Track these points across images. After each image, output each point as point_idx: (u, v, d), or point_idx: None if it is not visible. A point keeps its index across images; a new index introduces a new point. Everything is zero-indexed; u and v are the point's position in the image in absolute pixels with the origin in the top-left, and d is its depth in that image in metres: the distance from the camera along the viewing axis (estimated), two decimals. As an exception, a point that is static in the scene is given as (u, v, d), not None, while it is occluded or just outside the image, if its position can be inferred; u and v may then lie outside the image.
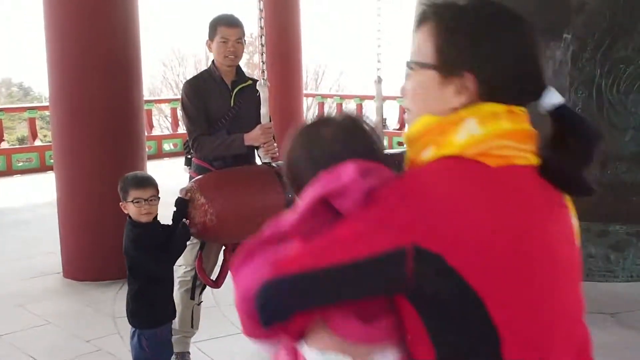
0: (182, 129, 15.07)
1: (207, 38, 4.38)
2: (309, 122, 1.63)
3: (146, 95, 7.01)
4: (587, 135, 1.43)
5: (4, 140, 12.97)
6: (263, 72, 4.11)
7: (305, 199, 1.37)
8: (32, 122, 13.51)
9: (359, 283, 1.28)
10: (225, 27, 4.27)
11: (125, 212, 3.53)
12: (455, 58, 1.41)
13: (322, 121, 1.62)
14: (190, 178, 4.23)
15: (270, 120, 4.24)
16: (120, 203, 3.52)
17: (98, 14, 6.00)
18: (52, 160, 12.25)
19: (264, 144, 4.12)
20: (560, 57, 5.40)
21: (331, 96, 18.10)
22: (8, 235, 8.04)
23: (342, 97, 16.79)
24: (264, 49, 4.11)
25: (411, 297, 1.29)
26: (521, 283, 1.29)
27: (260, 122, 4.20)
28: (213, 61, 4.42)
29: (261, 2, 4.08)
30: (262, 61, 4.10)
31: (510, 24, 1.46)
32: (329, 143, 1.50)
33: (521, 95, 1.44)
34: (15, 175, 12.38)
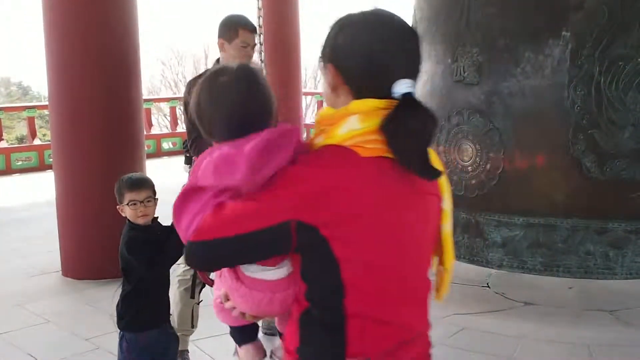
0: (181, 128, 15.08)
1: (221, 37, 4.31)
2: (211, 71, 2.01)
3: (145, 94, 7.00)
4: (424, 119, 1.69)
5: (3, 139, 12.97)
6: (262, 70, 4.09)
7: (207, 179, 1.74)
8: (31, 121, 13.52)
9: (258, 247, 1.67)
10: (248, 32, 4.26)
11: (123, 215, 3.46)
12: (323, 50, 1.78)
13: (221, 70, 1.95)
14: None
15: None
16: (118, 206, 3.45)
17: (97, 13, 6.01)
18: (51, 159, 12.28)
19: None
20: (558, 55, 5.38)
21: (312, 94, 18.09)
22: (7, 234, 8.05)
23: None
24: (263, 47, 4.10)
25: (295, 252, 1.70)
26: (372, 250, 1.67)
27: None
28: (218, 60, 4.39)
29: (260, 1, 4.07)
30: (261, 60, 4.09)
31: (369, 26, 1.74)
32: (225, 88, 1.88)
33: (381, 89, 1.70)
34: (14, 174, 12.38)
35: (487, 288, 5.89)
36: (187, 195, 1.75)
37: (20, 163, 12.62)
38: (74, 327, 5.11)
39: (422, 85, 6.25)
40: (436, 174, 1.72)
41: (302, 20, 13.20)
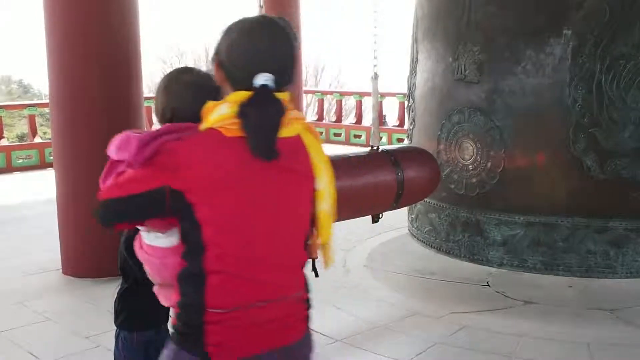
0: None
1: None
2: (178, 68, 2.52)
3: (145, 93, 6.99)
4: (270, 107, 1.98)
5: (3, 137, 12.96)
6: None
7: (112, 155, 2.13)
8: (31, 119, 13.51)
9: (140, 207, 2.00)
10: None
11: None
12: (215, 48, 2.12)
13: (185, 69, 2.50)
14: None
15: None
16: None
17: (98, 11, 5.99)
18: (51, 157, 12.27)
19: None
20: (560, 53, 5.38)
21: (330, 93, 18.06)
22: (7, 232, 8.04)
23: (342, 94, 16.75)
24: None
25: (172, 213, 1.99)
26: (229, 215, 1.96)
27: None
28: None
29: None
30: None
31: (242, 31, 2.06)
32: (181, 86, 2.39)
33: (250, 82, 1.99)
34: (15, 172, 12.38)
35: (488, 287, 5.88)
36: (109, 167, 2.14)
37: (21, 161, 12.61)
38: (75, 325, 5.11)
39: (423, 84, 6.27)
40: (271, 156, 1.97)
41: (302, 18, 13.23)
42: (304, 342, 2.15)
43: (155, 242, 2.20)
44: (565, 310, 5.36)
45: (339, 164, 4.39)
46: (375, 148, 4.75)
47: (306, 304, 2.16)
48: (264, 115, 1.96)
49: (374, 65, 4.87)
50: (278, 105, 1.99)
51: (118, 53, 6.09)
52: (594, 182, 5.36)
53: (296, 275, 2.11)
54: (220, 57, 2.07)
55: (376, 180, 4.49)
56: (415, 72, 6.50)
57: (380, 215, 4.74)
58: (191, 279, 1.98)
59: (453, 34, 5.93)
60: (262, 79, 1.99)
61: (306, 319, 2.16)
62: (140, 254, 2.29)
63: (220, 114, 1.97)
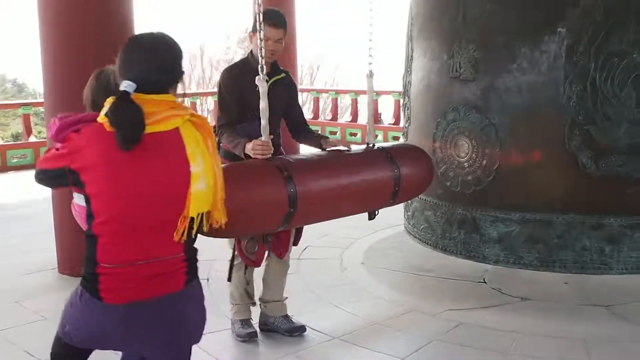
0: None
1: (251, 30, 4.54)
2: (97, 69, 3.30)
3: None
4: (125, 109, 2.46)
5: (-3, 136, 12.95)
6: (262, 68, 4.11)
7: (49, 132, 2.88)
8: (26, 119, 13.48)
9: (53, 179, 2.64)
10: (269, 26, 4.41)
11: None
12: None
13: (100, 70, 3.27)
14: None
15: (302, 116, 4.84)
16: None
17: (93, 9, 5.99)
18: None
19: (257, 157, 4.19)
20: (554, 51, 5.40)
21: (326, 91, 18.07)
22: (3, 231, 8.04)
23: (337, 92, 16.76)
24: (263, 43, 4.10)
25: (74, 186, 2.59)
26: (109, 191, 2.50)
27: (287, 114, 4.71)
28: (251, 51, 4.59)
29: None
30: (261, 56, 4.10)
31: (128, 45, 2.68)
32: (96, 83, 3.23)
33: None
34: (9, 172, 12.36)
35: (484, 284, 5.90)
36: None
37: (15, 160, 12.60)
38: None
39: (419, 82, 6.28)
40: (128, 147, 2.45)
41: (298, 16, 13.22)
42: (187, 291, 2.68)
43: (78, 201, 2.93)
44: (561, 306, 5.37)
45: (337, 162, 4.42)
46: (371, 145, 4.77)
47: (186, 262, 2.66)
48: (117, 115, 2.45)
49: (369, 64, 4.87)
50: (131, 108, 2.47)
51: (114, 52, 6.08)
52: (589, 179, 5.38)
53: (171, 241, 2.59)
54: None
55: (373, 177, 4.51)
56: (410, 70, 6.51)
57: (377, 212, 4.76)
58: (88, 239, 2.58)
59: (448, 32, 5.94)
60: (123, 85, 2.51)
61: (187, 274, 2.66)
62: (73, 210, 3.17)
63: (101, 113, 2.50)
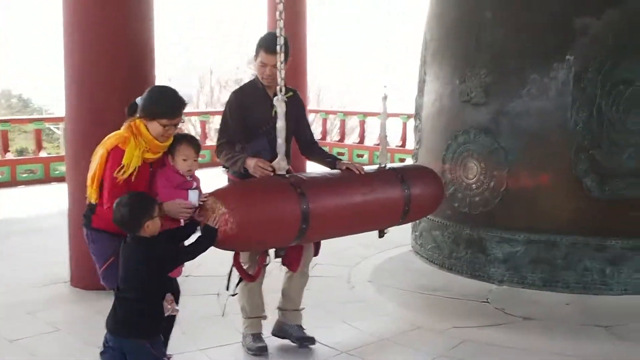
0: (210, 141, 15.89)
1: (254, 54, 4.73)
2: None
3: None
4: None
5: (9, 151, 13.08)
6: (281, 89, 4.26)
7: None
8: (38, 134, 13.65)
9: None
10: (264, 52, 4.56)
11: (148, 232, 3.61)
12: None
13: None
14: (229, 180, 4.65)
15: (310, 134, 4.99)
16: (148, 224, 3.59)
17: (119, 30, 6.14)
18: (56, 172, 12.43)
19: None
20: (562, 78, 5.56)
21: (334, 112, 18.21)
22: (15, 245, 8.13)
23: (346, 114, 16.91)
24: (283, 65, 4.26)
25: None
26: None
27: (297, 132, 4.79)
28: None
29: (281, 21, 4.23)
30: (281, 77, 4.25)
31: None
32: None
33: None
34: (19, 186, 12.48)
35: (487, 303, 6.00)
36: None
37: (25, 175, 12.74)
38: (85, 336, 5.18)
39: (431, 105, 6.43)
40: None
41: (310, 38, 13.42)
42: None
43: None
44: (562, 326, 5.47)
45: (349, 180, 4.55)
46: (383, 166, 4.91)
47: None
48: None
49: (384, 86, 5.03)
50: None
51: (134, 72, 6.21)
52: (593, 202, 5.52)
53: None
54: None
55: (384, 197, 4.64)
56: (423, 93, 6.66)
57: (386, 231, 4.89)
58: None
59: (461, 57, 6.10)
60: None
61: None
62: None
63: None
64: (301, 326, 5.01)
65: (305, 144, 4.94)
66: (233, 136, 4.66)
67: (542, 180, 5.72)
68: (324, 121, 16.76)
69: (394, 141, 14.68)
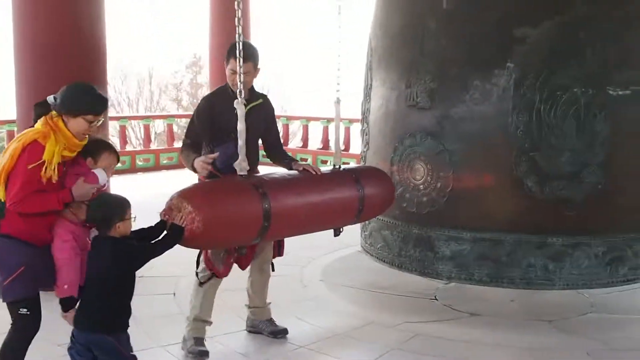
0: (154, 145, 16.10)
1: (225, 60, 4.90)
2: None
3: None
4: None
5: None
6: (240, 92, 4.45)
7: None
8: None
9: None
10: (234, 60, 4.65)
11: (119, 231, 3.73)
12: None
13: None
14: (199, 180, 4.81)
15: (278, 138, 5.28)
16: (119, 225, 3.72)
17: (71, 32, 6.22)
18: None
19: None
20: (503, 84, 5.82)
21: (277, 117, 18.33)
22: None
23: (289, 119, 17.08)
24: (242, 69, 4.44)
25: None
26: None
27: (265, 136, 5.06)
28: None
29: (239, 27, 4.39)
30: (240, 81, 4.43)
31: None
32: None
33: None
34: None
35: (435, 300, 6.26)
36: None
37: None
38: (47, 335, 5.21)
39: (377, 109, 6.67)
40: None
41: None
42: None
43: None
44: (508, 321, 5.76)
45: (307, 181, 4.77)
46: (338, 167, 5.14)
47: None
48: None
49: (337, 90, 5.26)
50: None
51: (87, 73, 6.30)
52: (534, 201, 5.80)
53: None
54: None
55: (340, 196, 4.87)
56: (369, 98, 6.90)
57: (342, 229, 5.12)
58: None
59: (406, 64, 6.34)
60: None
61: None
62: None
63: None
64: (272, 320, 5.27)
65: (270, 148, 5.14)
66: (197, 138, 4.85)
67: (485, 181, 5.99)
68: (285, 127, 16.83)
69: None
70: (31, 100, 6.20)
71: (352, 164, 7.13)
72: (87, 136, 3.97)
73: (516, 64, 5.82)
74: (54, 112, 3.88)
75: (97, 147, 4.02)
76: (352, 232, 6.26)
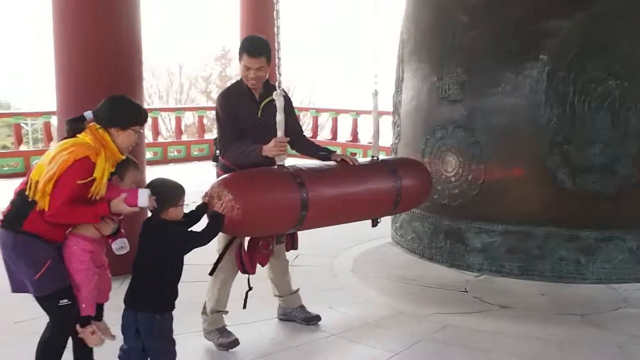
0: (185, 137, 16.37)
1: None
2: None
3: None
4: None
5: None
6: (279, 84, 4.49)
7: None
8: (17, 128, 13.79)
9: None
10: (247, 56, 4.68)
11: (170, 215, 3.89)
12: None
13: None
14: (217, 175, 4.71)
15: (299, 127, 5.08)
16: (171, 210, 3.87)
17: (104, 31, 6.27)
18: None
19: (277, 155, 4.55)
20: (536, 76, 5.83)
21: (306, 109, 18.43)
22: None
23: (318, 111, 17.13)
24: (280, 61, 4.49)
25: None
26: None
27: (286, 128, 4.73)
28: None
29: (277, 20, 4.43)
30: (279, 73, 4.48)
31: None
32: None
33: None
34: (1, 179, 12.55)
35: (465, 293, 6.26)
36: None
37: (7, 168, 12.85)
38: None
39: (409, 101, 6.70)
40: None
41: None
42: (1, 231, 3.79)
43: None
44: (538, 314, 5.73)
45: (344, 171, 4.82)
46: (375, 158, 5.19)
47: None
48: None
49: (375, 83, 5.30)
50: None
51: (123, 72, 6.35)
52: (566, 194, 5.81)
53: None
54: None
55: (377, 187, 4.92)
56: (401, 90, 6.93)
57: (379, 220, 5.17)
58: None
59: (438, 56, 6.37)
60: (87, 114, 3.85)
61: (4, 216, 3.79)
62: None
63: None
64: (303, 306, 5.32)
65: (294, 137, 5.14)
66: (233, 135, 4.78)
67: (516, 173, 6.01)
68: (315, 119, 16.91)
69: (366, 138, 14.93)
70: (71, 92, 6.41)
71: (392, 156, 7.11)
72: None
73: (549, 56, 5.82)
74: (97, 126, 3.84)
75: (121, 165, 4.00)
76: (383, 224, 6.27)
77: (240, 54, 4.74)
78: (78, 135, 3.82)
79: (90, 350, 4.13)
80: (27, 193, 3.71)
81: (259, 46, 4.72)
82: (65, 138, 3.86)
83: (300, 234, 5.00)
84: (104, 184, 3.79)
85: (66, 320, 3.89)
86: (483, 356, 4.88)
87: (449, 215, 6.26)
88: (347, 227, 5.27)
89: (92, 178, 3.71)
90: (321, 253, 7.24)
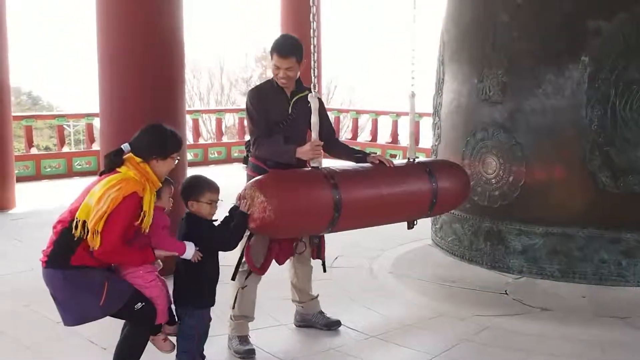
0: (225, 139, 16.50)
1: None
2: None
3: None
4: None
5: (34, 146, 13.43)
6: (314, 86, 4.53)
7: None
8: (60, 130, 14.00)
9: None
10: (277, 55, 4.72)
11: (193, 209, 4.05)
12: None
13: None
14: (247, 176, 4.75)
15: (332, 128, 5.04)
16: (192, 203, 4.04)
17: (148, 31, 6.35)
18: (78, 167, 12.79)
19: (312, 159, 4.59)
20: (577, 77, 5.81)
21: (347, 111, 18.45)
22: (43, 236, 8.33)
23: (358, 112, 17.14)
24: (316, 64, 4.52)
25: None
26: None
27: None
28: None
29: (314, 23, 4.47)
30: (314, 75, 4.51)
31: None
32: None
33: None
34: (43, 180, 12.77)
35: (506, 295, 6.23)
36: None
37: (49, 169, 13.06)
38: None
39: (449, 103, 6.70)
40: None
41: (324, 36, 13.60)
42: (46, 271, 3.78)
43: None
44: (579, 316, 5.69)
45: (378, 173, 4.84)
46: (412, 160, 5.19)
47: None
48: None
49: (412, 85, 5.31)
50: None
51: (165, 72, 6.44)
52: (607, 196, 5.77)
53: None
54: None
55: (412, 189, 4.92)
56: (441, 92, 6.93)
57: (415, 222, 5.16)
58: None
59: (478, 58, 6.37)
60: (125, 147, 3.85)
61: (47, 256, 3.77)
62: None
63: None
64: (322, 312, 5.28)
65: (327, 139, 5.00)
66: (265, 129, 4.78)
67: (558, 175, 5.98)
68: (336, 119, 16.95)
69: (405, 139, 14.89)
70: (113, 94, 6.52)
71: (429, 158, 7.10)
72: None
73: (591, 57, 5.80)
74: (137, 160, 3.83)
75: None
76: (423, 225, 6.29)
77: (271, 52, 4.78)
78: (118, 169, 3.81)
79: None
80: (73, 232, 3.69)
81: (288, 46, 4.74)
82: (103, 172, 3.87)
83: (339, 235, 4.99)
84: (152, 214, 3.83)
85: (146, 318, 3.92)
86: (524, 357, 4.86)
87: (489, 217, 6.25)
88: (386, 227, 5.27)
89: (142, 213, 3.75)
90: (360, 254, 7.27)
